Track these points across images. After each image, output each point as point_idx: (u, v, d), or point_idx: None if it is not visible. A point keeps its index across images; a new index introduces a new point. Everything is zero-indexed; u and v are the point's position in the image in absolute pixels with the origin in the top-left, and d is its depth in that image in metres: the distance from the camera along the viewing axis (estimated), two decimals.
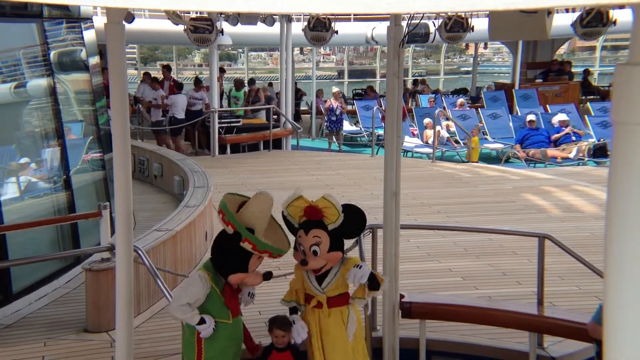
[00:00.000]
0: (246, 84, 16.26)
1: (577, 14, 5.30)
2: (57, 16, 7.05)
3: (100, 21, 5.51)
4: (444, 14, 5.70)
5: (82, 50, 7.50)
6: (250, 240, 3.44)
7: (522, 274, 6.08)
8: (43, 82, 6.74)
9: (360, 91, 21.73)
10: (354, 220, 3.81)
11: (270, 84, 18.73)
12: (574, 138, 13.75)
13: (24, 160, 6.63)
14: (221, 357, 3.64)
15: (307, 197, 3.78)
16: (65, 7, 7.08)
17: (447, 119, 15.16)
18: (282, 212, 3.78)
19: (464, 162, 13.01)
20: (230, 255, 3.54)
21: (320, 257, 3.69)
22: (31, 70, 6.80)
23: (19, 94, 6.74)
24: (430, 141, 13.55)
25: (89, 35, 7.56)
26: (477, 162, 12.98)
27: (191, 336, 3.63)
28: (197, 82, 14.75)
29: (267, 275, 3.59)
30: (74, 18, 7.36)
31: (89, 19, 7.65)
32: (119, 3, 1.02)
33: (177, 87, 13.88)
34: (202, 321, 3.56)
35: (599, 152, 13.24)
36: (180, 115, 13.20)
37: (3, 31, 6.35)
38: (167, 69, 16.31)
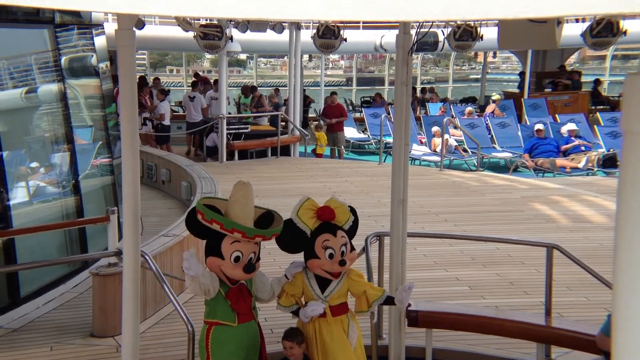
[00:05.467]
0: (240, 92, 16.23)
1: (587, 24, 5.28)
2: (68, 22, 7.12)
3: (111, 27, 5.55)
4: (453, 23, 5.70)
5: (92, 56, 7.56)
6: (216, 220, 3.48)
7: (529, 284, 6.05)
8: (54, 87, 6.79)
9: (368, 98, 21.77)
10: (357, 220, 3.86)
11: (277, 90, 18.72)
12: (583, 148, 13.69)
13: (33, 164, 6.67)
14: None
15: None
16: (76, 14, 7.14)
17: (455, 127, 15.13)
18: (292, 220, 3.72)
19: (472, 170, 12.98)
20: (204, 236, 3.65)
21: (348, 257, 3.72)
22: (42, 76, 6.86)
23: (29, 99, 6.79)
24: (438, 149, 13.52)
25: (100, 41, 7.63)
26: (321, 156, 13.45)
27: (202, 340, 3.72)
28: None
29: (247, 268, 3.55)
30: (85, 24, 7.43)
31: (100, 25, 7.72)
32: (130, 9, 1.03)
33: (162, 94, 13.78)
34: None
35: (609, 163, 13.15)
36: (166, 122, 13.25)
37: (15, 37, 6.42)
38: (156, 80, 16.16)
